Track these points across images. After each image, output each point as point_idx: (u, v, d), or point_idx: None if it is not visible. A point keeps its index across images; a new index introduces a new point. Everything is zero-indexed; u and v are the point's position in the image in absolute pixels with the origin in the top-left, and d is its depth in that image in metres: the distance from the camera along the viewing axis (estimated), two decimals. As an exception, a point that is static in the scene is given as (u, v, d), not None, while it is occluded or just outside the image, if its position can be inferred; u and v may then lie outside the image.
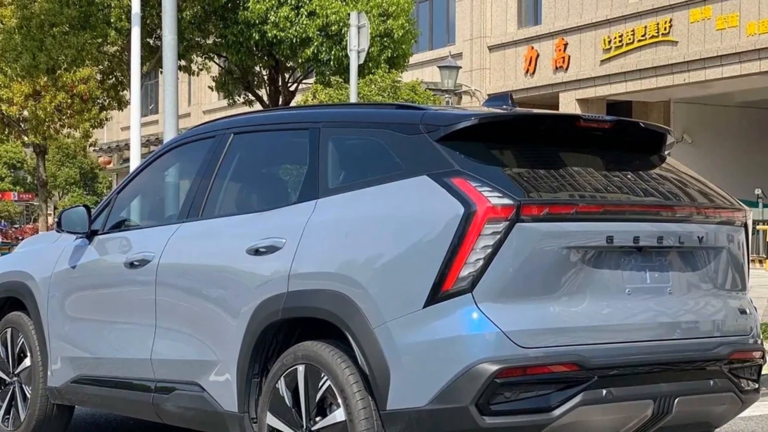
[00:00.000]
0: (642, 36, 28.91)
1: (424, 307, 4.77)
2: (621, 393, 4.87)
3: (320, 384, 5.12)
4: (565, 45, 31.17)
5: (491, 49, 33.75)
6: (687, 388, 5.11)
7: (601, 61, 30.03)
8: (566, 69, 31.13)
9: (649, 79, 28.75)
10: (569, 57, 31.08)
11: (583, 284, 4.91)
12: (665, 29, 28.36)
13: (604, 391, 4.81)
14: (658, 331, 5.10)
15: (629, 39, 29.24)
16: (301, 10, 25.61)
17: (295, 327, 5.43)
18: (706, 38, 27.43)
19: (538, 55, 32.13)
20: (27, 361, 7.16)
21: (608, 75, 29.81)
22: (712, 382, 5.22)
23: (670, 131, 5.75)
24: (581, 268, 4.90)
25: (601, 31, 30.06)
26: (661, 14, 28.51)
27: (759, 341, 5.54)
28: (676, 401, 5.02)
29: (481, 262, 4.71)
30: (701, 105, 31.60)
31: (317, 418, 5.14)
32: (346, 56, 23.03)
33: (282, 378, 5.30)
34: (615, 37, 29.62)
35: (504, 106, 5.68)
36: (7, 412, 7.31)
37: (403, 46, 26.84)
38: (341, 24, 24.89)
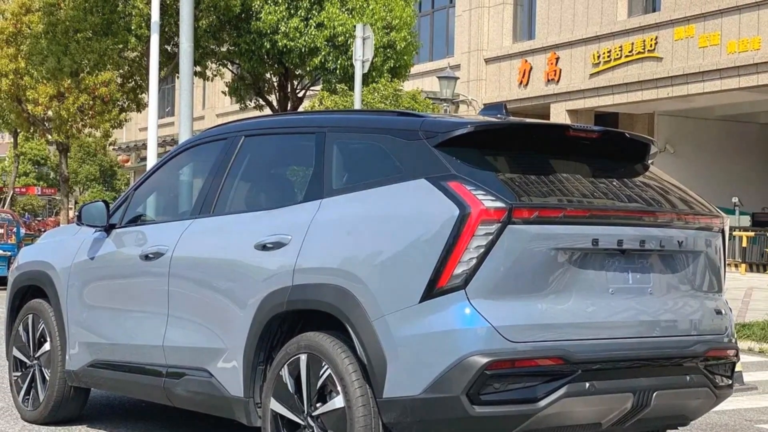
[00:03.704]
0: (629, 52, 28.90)
1: (420, 302, 4.77)
2: (603, 386, 4.86)
3: (321, 372, 5.12)
4: (557, 59, 31.15)
5: (487, 61, 33.74)
6: (665, 382, 5.11)
7: (590, 74, 30.03)
8: (557, 81, 31.11)
9: (635, 92, 28.74)
10: (560, 70, 31.07)
11: (569, 283, 4.91)
12: (651, 46, 28.35)
13: (587, 384, 4.80)
14: (639, 328, 5.10)
15: (617, 54, 29.24)
16: (310, 21, 25.58)
17: (298, 318, 5.43)
18: (689, 55, 27.42)
19: (531, 68, 32.12)
20: (47, 346, 7.16)
21: (597, 88, 29.80)
22: (688, 378, 5.22)
23: (653, 142, 5.75)
24: (568, 268, 4.90)
25: (590, 47, 30.05)
26: (648, 32, 28.51)
27: (733, 340, 5.54)
28: (654, 395, 5.02)
29: (474, 261, 4.71)
30: (683, 118, 31.60)
31: (318, 404, 5.14)
32: (352, 65, 23.02)
33: (285, 366, 5.30)
34: (604, 53, 29.61)
35: (498, 115, 5.67)
36: (27, 393, 7.31)
37: (405, 57, 26.80)
38: (347, 35, 24.87)
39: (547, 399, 4.71)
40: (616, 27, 29.33)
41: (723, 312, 5.51)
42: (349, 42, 24.64)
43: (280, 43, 25.63)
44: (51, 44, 26.70)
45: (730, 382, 5.50)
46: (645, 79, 28.27)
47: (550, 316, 4.83)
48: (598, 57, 29.70)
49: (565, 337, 4.83)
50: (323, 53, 25.52)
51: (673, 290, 5.29)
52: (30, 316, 7.35)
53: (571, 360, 4.78)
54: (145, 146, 39.92)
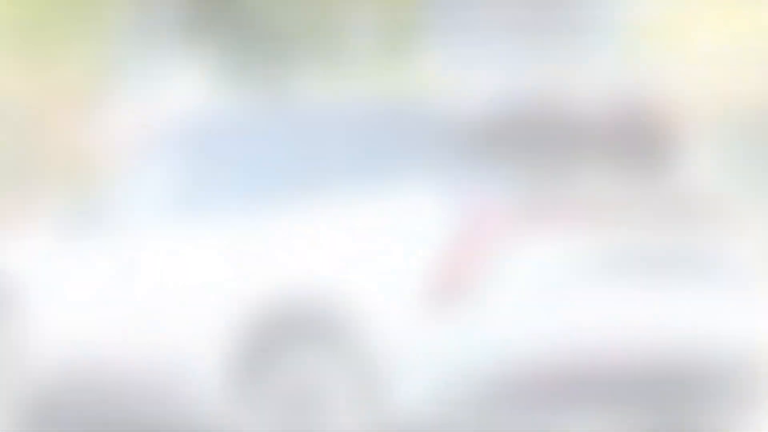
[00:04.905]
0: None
1: (424, 310, 4.82)
2: (618, 401, 4.92)
3: (314, 387, 5.16)
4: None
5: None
6: (688, 398, 5.15)
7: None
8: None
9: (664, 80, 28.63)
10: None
11: (580, 293, 4.94)
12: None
13: (600, 400, 4.86)
14: (659, 340, 5.12)
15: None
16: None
17: (292, 327, 5.44)
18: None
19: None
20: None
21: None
22: (715, 393, 5.25)
23: (674, 141, 5.77)
24: (580, 276, 4.95)
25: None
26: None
27: (762, 353, 5.56)
28: (677, 411, 5.07)
29: (481, 267, 4.77)
30: (715, 113, 31.46)
31: (314, 420, 5.17)
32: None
33: (274, 379, 5.32)
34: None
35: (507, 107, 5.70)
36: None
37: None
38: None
39: (558, 414, 4.77)
40: None
41: (756, 321, 5.53)
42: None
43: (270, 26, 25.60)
44: None
45: (759, 397, 5.53)
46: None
47: (561, 327, 4.89)
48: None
49: (578, 350, 4.89)
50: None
51: (696, 299, 5.32)
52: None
53: (584, 374, 4.83)
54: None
